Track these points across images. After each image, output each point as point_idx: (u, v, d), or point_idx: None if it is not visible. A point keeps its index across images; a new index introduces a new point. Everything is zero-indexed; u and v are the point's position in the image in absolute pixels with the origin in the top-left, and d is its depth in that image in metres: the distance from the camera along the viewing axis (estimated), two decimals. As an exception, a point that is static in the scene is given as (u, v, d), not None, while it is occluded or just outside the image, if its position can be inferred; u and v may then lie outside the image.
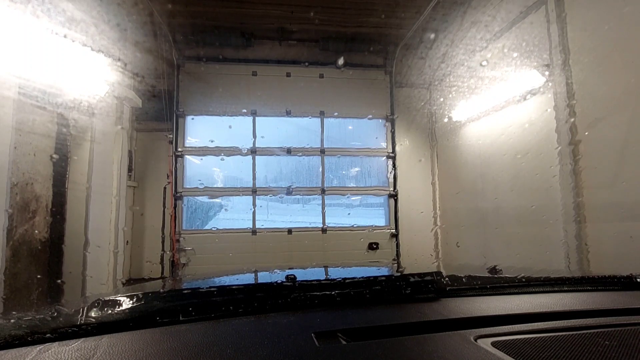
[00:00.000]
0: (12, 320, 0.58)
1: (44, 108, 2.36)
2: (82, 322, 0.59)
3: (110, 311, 0.61)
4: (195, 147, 3.90)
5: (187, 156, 3.88)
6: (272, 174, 4.08)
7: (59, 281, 2.51)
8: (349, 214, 4.18)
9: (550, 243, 2.62)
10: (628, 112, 2.08)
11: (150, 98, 3.72)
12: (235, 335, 0.55)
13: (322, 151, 4.06)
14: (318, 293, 0.69)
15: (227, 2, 3.35)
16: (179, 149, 3.84)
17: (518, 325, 0.58)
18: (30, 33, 2.22)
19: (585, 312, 0.64)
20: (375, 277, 0.76)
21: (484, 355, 0.48)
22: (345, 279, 0.72)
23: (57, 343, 0.54)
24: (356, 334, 0.55)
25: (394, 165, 4.13)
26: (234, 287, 0.75)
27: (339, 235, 3.98)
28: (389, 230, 4.08)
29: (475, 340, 0.52)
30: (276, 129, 4.05)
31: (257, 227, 3.88)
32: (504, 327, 0.58)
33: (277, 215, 4.05)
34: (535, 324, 0.59)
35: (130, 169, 3.80)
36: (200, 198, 3.94)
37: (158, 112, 3.82)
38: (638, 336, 0.54)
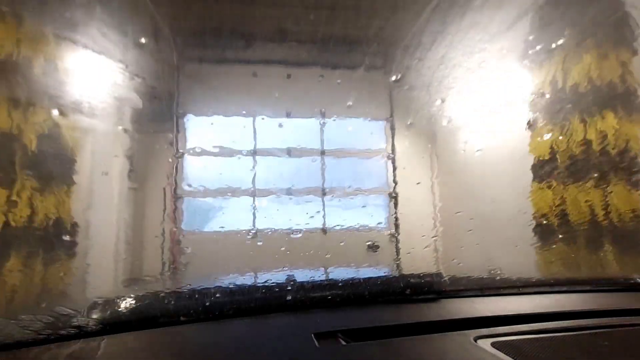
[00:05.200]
0: (11, 321, 0.58)
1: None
2: (82, 322, 0.59)
3: (110, 312, 0.61)
4: (195, 148, 3.90)
5: (187, 157, 3.88)
6: (272, 175, 4.08)
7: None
8: (348, 214, 4.18)
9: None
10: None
11: (151, 99, 3.72)
12: (235, 336, 0.55)
13: (322, 152, 4.06)
14: (318, 293, 0.69)
15: (227, 3, 3.36)
16: (180, 150, 3.84)
17: (518, 326, 0.58)
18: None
19: (585, 312, 0.64)
20: (375, 278, 0.76)
21: (484, 356, 0.48)
22: (345, 279, 0.72)
23: (56, 344, 0.54)
24: (356, 335, 0.55)
25: (393, 166, 4.14)
26: (233, 287, 0.75)
27: (339, 236, 3.97)
28: (389, 231, 4.08)
29: (475, 340, 0.52)
30: (276, 130, 4.05)
31: (257, 227, 3.88)
32: (504, 327, 0.58)
33: (277, 215, 4.05)
34: (535, 324, 0.59)
35: (130, 170, 3.81)
36: (200, 199, 3.94)
37: (159, 113, 3.82)
38: (638, 337, 0.54)
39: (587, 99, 1.71)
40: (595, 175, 1.65)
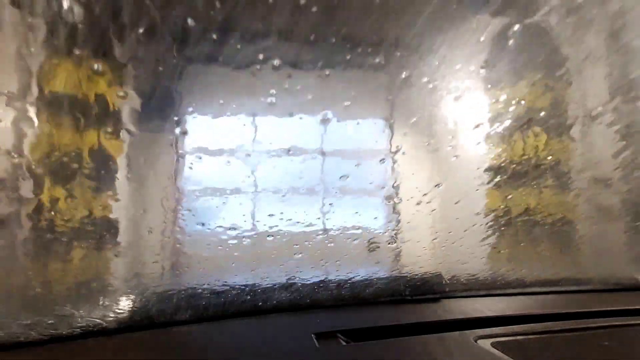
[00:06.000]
0: (13, 321, 0.58)
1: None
2: (82, 323, 0.59)
3: (110, 312, 0.61)
4: (195, 148, 3.91)
5: (187, 157, 3.89)
6: (273, 175, 4.09)
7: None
8: (349, 213, 4.19)
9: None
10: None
11: (151, 99, 3.73)
12: (235, 336, 0.56)
13: (323, 152, 4.07)
14: (318, 293, 0.69)
15: (227, 3, 3.37)
16: (180, 150, 3.85)
17: (518, 326, 0.58)
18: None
19: (585, 313, 0.64)
20: (375, 278, 0.76)
21: (484, 356, 0.48)
22: (344, 279, 0.72)
23: (56, 344, 0.54)
24: (356, 335, 0.55)
25: (394, 166, 4.15)
26: (233, 287, 0.75)
27: (339, 236, 3.98)
28: (389, 231, 4.09)
29: (475, 340, 0.52)
30: (276, 130, 4.06)
31: (257, 227, 3.89)
32: (504, 327, 0.58)
33: (277, 215, 4.06)
34: (535, 324, 0.59)
35: (130, 171, 3.82)
36: (200, 199, 3.95)
37: (159, 113, 3.84)
38: (638, 337, 0.53)
39: (525, 119, 2.08)
40: (531, 180, 2.00)
